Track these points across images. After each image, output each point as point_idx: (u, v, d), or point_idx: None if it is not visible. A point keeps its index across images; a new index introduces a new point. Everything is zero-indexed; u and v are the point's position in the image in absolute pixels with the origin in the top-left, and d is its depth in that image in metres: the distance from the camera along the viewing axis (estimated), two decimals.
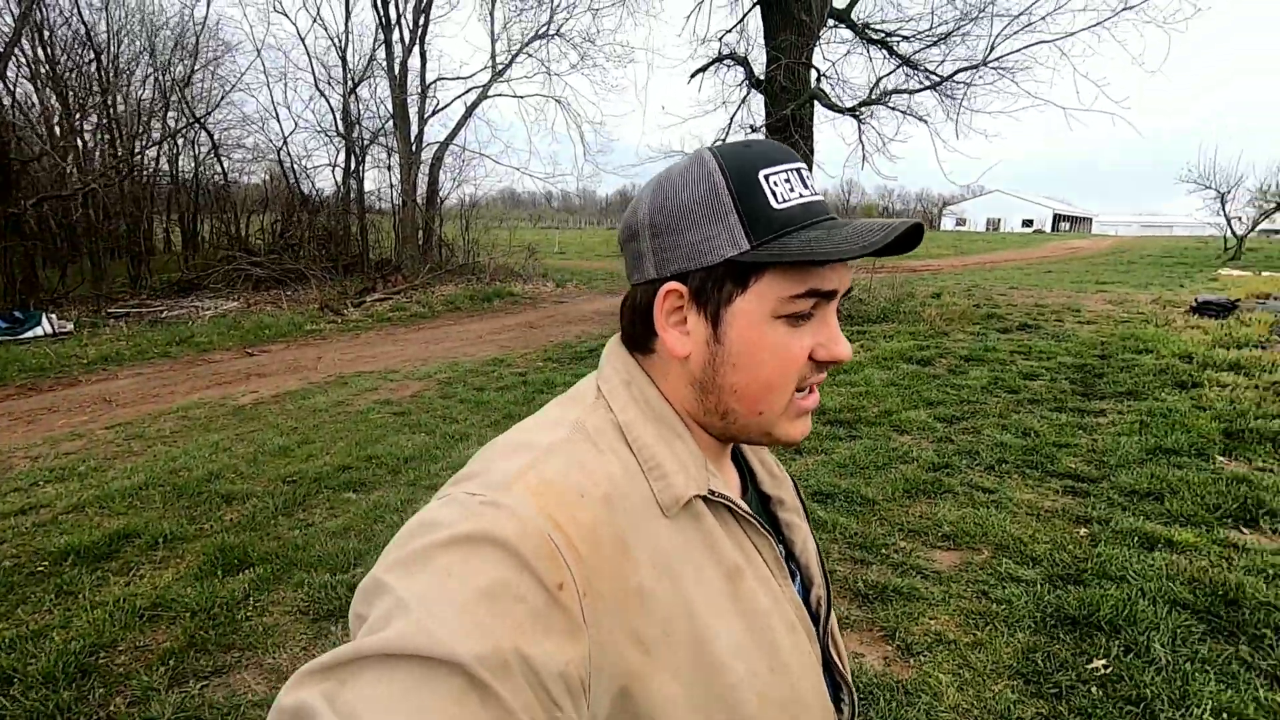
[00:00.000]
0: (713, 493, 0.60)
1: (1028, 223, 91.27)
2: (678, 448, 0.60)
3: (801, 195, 0.58)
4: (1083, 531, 3.57)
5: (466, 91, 17.86)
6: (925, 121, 9.72)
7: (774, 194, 0.56)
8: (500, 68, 17.48)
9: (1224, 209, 28.34)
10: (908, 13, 10.79)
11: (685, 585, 0.55)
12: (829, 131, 17.20)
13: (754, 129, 10.32)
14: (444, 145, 17.29)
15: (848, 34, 10.91)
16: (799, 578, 0.72)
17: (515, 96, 21.68)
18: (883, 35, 10.57)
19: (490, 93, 17.57)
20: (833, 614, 0.75)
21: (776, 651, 0.59)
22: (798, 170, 0.59)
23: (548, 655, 0.45)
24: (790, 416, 0.61)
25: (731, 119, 10.68)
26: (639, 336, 0.63)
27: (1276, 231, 53.75)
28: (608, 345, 0.67)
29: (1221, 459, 4.54)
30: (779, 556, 0.65)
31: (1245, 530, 3.56)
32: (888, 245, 0.53)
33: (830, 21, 10.52)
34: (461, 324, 11.17)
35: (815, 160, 10.25)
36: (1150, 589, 2.91)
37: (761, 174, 0.57)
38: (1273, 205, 28.08)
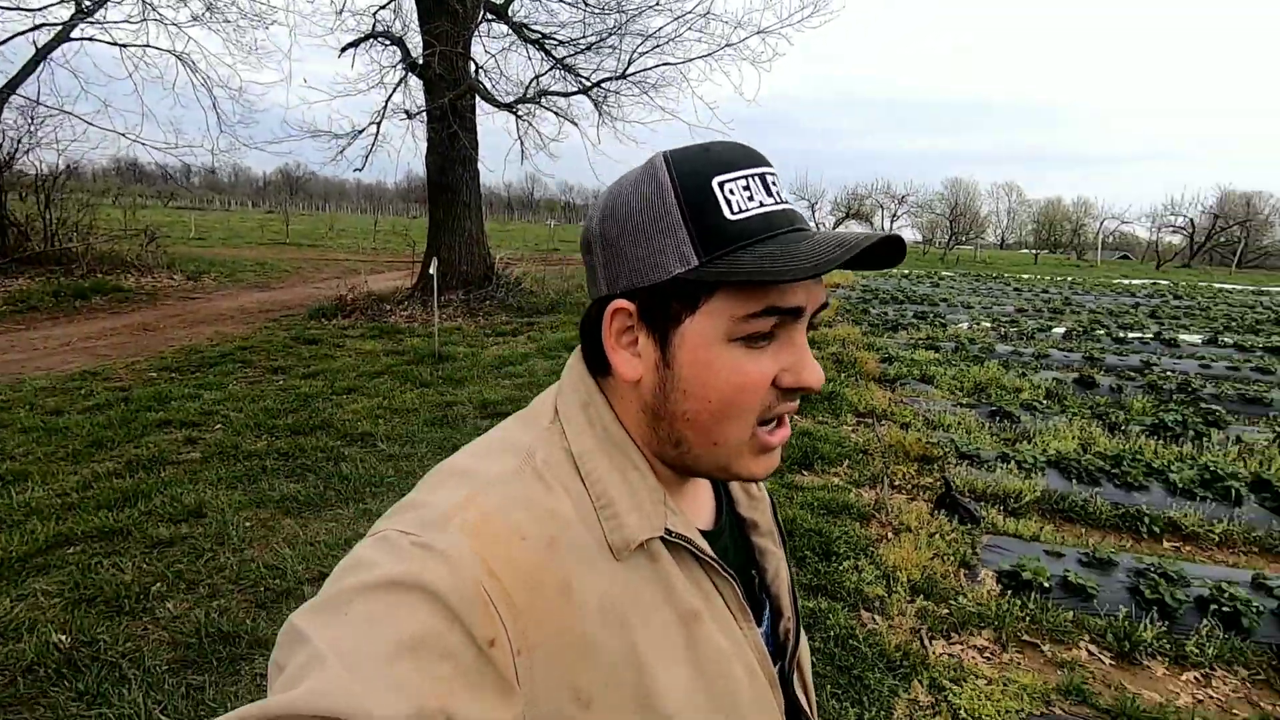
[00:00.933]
0: (670, 533, 0.55)
1: None
2: (634, 481, 0.55)
3: (762, 204, 0.52)
4: None
5: (36, 28, 13.79)
6: (575, 124, 10.39)
7: (729, 203, 0.51)
8: (87, 4, 13.85)
9: (814, 215, 36.10)
10: (560, 18, 11.34)
11: (634, 632, 0.51)
12: (495, 125, 17.34)
13: (410, 115, 9.92)
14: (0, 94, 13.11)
15: (507, 30, 11.12)
16: (768, 608, 0.68)
17: (115, 44, 17.41)
18: (540, 36, 11.00)
19: (73, 35, 13.82)
20: (803, 644, 0.70)
21: (734, 701, 0.55)
22: (761, 176, 0.53)
23: (477, 718, 0.42)
24: (752, 451, 0.54)
25: (387, 101, 10.12)
26: (595, 356, 0.58)
27: None
28: (570, 358, 0.61)
29: (796, 418, 5.76)
30: (740, 596, 0.59)
31: (805, 472, 4.57)
32: (861, 259, 0.50)
33: (489, 16, 10.59)
34: (38, 329, 8.70)
35: (479, 155, 10.26)
36: None
37: (716, 181, 0.51)
38: (843, 214, 36.61)
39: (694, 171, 0.52)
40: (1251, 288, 25.51)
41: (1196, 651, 2.75)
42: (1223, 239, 51.44)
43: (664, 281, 0.52)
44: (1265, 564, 3.67)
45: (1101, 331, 10.42)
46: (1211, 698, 2.56)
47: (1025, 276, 25.59)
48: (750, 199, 0.51)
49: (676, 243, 0.51)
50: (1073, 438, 5.23)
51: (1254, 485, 4.34)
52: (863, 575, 3.16)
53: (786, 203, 0.53)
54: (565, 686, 0.48)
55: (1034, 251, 54.42)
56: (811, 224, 0.54)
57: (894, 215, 48.17)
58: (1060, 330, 10.36)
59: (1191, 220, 51.75)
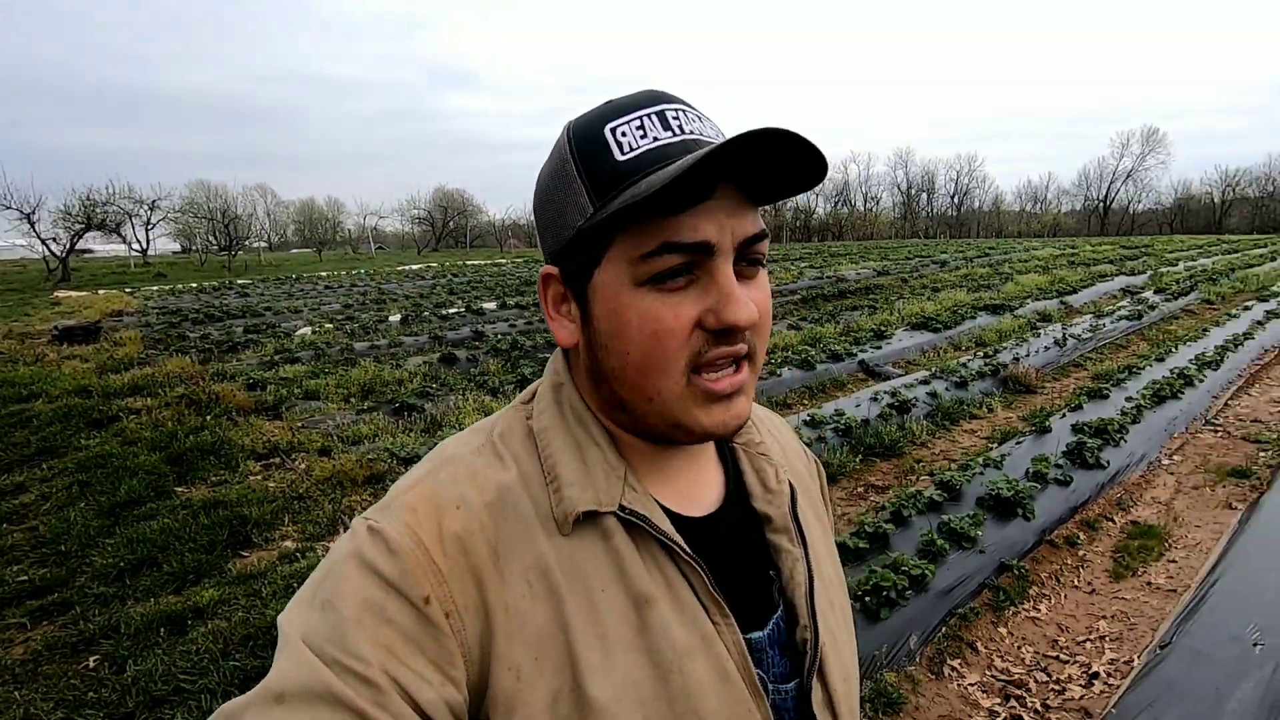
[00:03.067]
0: (624, 509, 0.52)
1: None
2: (592, 457, 0.54)
3: (657, 139, 0.49)
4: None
5: None
6: None
7: (619, 145, 0.49)
8: None
9: (35, 230, 27.52)
10: None
11: (564, 605, 0.50)
12: None
13: None
14: None
15: None
16: (780, 611, 0.59)
17: None
18: None
19: None
20: (841, 661, 0.60)
21: (691, 700, 0.50)
22: (660, 113, 0.50)
23: (422, 679, 0.45)
24: (697, 401, 0.51)
25: None
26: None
27: (89, 251, 56.71)
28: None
29: (181, 488, 4.34)
30: (711, 588, 0.53)
31: (246, 553, 3.50)
32: (770, 181, 0.50)
33: None
34: None
35: None
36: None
37: (608, 128, 0.50)
38: (81, 226, 29.12)
39: (588, 124, 0.51)
40: (486, 262, 33.13)
41: None
42: (452, 226, 64.88)
43: (570, 238, 0.51)
44: None
45: (427, 312, 11.63)
46: None
47: (324, 274, 26.22)
48: (643, 136, 0.49)
49: (574, 196, 0.51)
50: (474, 410, 5.67)
51: None
52: None
53: (690, 134, 0.50)
54: (500, 656, 0.48)
55: (317, 250, 56.30)
56: None
57: (148, 223, 41.50)
58: (396, 318, 11.06)
59: (430, 213, 63.20)
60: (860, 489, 4.47)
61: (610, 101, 0.52)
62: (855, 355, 7.70)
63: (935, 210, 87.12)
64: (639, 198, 0.45)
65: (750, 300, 0.49)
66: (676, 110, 0.50)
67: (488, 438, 0.56)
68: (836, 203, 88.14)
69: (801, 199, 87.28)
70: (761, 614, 0.58)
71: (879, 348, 8.14)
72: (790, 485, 0.64)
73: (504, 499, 0.52)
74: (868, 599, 2.81)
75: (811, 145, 0.46)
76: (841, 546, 3.22)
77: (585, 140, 0.50)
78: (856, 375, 7.36)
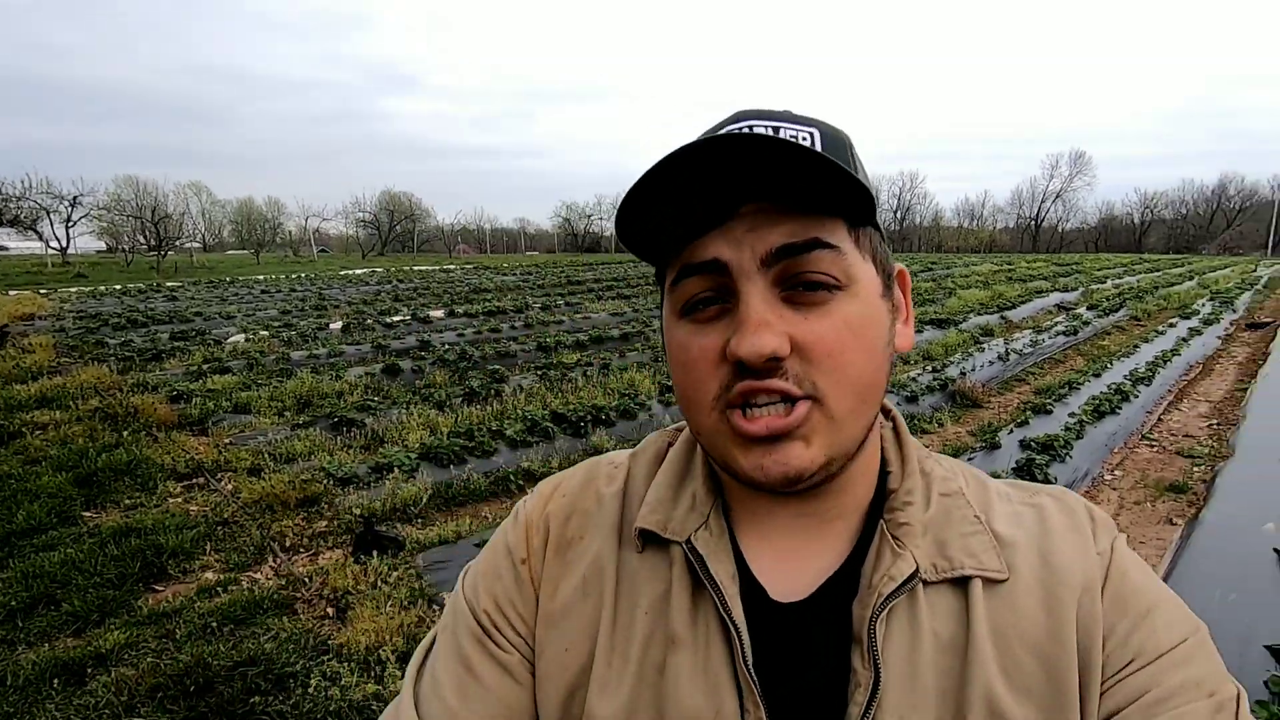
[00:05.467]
0: (689, 544, 0.50)
1: None
2: (686, 488, 0.54)
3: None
4: None
5: None
6: None
7: None
8: None
9: None
10: None
11: (604, 617, 0.51)
12: None
13: None
14: None
15: None
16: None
17: None
18: None
19: None
20: None
21: None
22: (748, 125, 0.46)
23: (510, 624, 0.54)
24: (734, 440, 0.46)
25: None
26: None
27: (3, 249, 53.11)
28: None
29: (90, 513, 3.96)
30: (747, 667, 0.46)
31: (160, 587, 3.19)
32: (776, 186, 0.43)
33: None
34: None
35: None
36: None
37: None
38: None
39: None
40: (435, 267, 32.36)
41: None
42: (399, 230, 63.31)
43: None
44: None
45: (370, 320, 11.19)
46: None
47: (261, 278, 25.14)
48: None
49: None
50: (419, 426, 5.41)
51: (553, 418, 5.47)
52: (343, 686, 2.41)
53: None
54: (546, 630, 0.53)
55: (254, 251, 54.04)
56: None
57: (69, 220, 39.00)
58: (337, 326, 10.60)
59: (376, 216, 61.52)
60: None
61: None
62: None
63: (880, 224, 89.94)
64: (622, 211, 0.44)
65: (778, 329, 0.43)
66: (742, 127, 0.46)
67: (631, 452, 0.61)
68: None
69: None
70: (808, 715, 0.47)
71: None
72: (903, 583, 0.47)
73: (597, 503, 0.57)
74: None
75: (782, 144, 0.40)
76: None
77: None
78: None
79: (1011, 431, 5.34)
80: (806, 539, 0.51)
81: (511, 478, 4.59)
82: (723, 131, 0.44)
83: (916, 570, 0.47)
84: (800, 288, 0.44)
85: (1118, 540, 0.51)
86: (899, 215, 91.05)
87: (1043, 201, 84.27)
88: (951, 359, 8.39)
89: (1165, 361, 8.08)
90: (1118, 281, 19.54)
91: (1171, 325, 10.96)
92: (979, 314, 12.07)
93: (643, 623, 0.50)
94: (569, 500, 0.57)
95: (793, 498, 0.49)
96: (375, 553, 3.34)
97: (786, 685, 0.47)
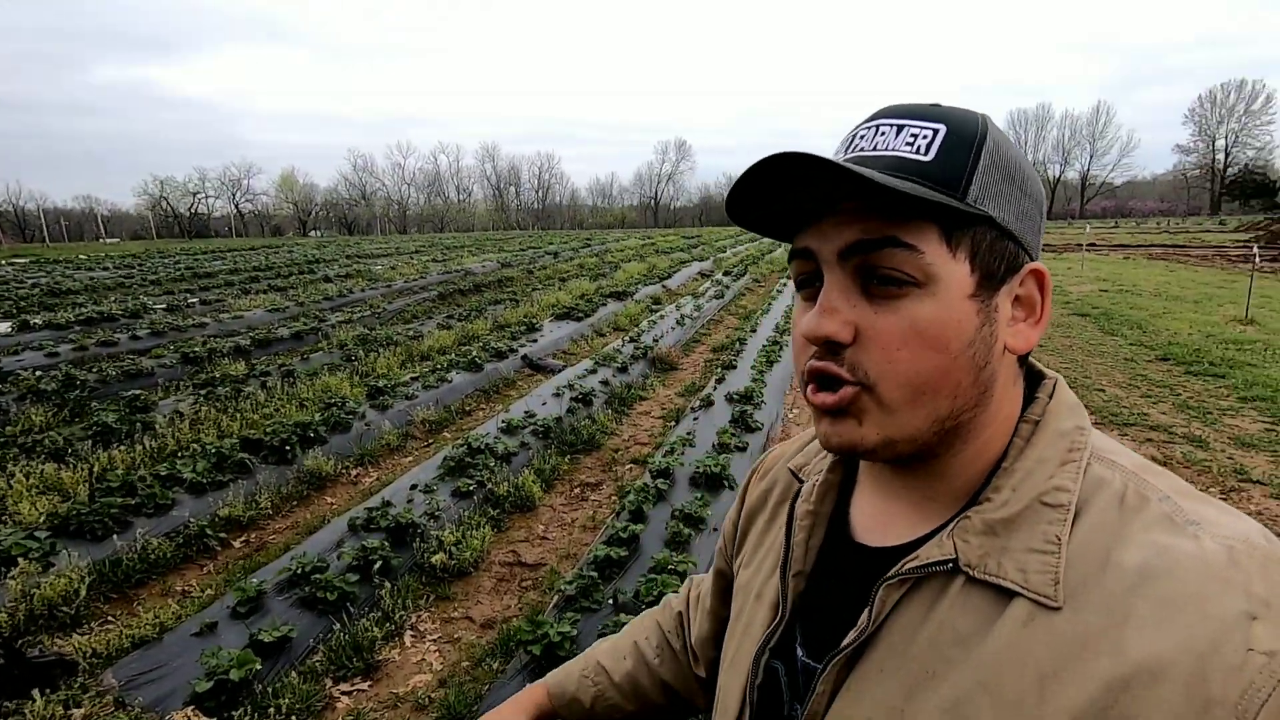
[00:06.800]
0: (792, 471, 0.68)
1: None
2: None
3: (855, 151, 0.52)
4: None
5: None
6: None
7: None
8: None
9: None
10: None
11: (755, 523, 0.72)
12: None
13: None
14: None
15: None
16: (802, 654, 0.58)
17: None
18: None
19: None
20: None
21: (737, 622, 0.67)
22: (876, 125, 0.52)
23: (724, 554, 0.77)
24: (813, 411, 0.53)
25: None
26: None
27: None
28: None
29: None
30: (785, 571, 0.61)
31: None
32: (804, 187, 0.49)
33: None
34: None
35: None
36: None
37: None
38: None
39: None
40: None
41: None
42: None
43: None
44: None
45: None
46: None
47: None
48: (849, 148, 0.53)
49: None
50: (34, 491, 3.87)
51: (246, 446, 4.43)
52: None
53: (859, 150, 0.51)
54: (745, 547, 0.72)
55: None
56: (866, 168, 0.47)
57: None
58: None
59: None
60: (577, 489, 4.42)
61: None
62: (517, 351, 7.64)
63: (523, 203, 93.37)
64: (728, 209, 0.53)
65: (844, 317, 0.48)
66: (871, 126, 0.52)
67: None
68: (429, 194, 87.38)
69: (392, 187, 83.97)
70: (825, 647, 0.54)
71: (535, 340, 8.23)
72: (930, 564, 0.49)
73: (802, 454, 0.69)
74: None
75: (821, 160, 0.45)
76: (605, 560, 3.09)
77: None
78: (524, 371, 7.31)
79: (714, 389, 6.05)
80: (905, 508, 0.55)
81: (209, 532, 3.60)
82: (854, 135, 0.53)
83: (953, 560, 0.48)
84: (875, 281, 0.48)
85: None
86: (541, 194, 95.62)
87: (659, 183, 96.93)
88: (639, 328, 9.15)
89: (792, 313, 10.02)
90: (735, 250, 23.55)
91: (783, 285, 13.63)
92: (645, 284, 13.39)
93: (766, 521, 0.70)
94: (777, 456, 0.75)
95: (895, 471, 0.55)
96: (34, 690, 2.29)
97: (817, 602, 0.58)
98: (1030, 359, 0.55)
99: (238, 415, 5.30)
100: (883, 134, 0.51)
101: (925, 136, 0.49)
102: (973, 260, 0.48)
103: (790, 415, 5.82)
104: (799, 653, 0.57)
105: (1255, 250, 10.42)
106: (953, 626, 0.47)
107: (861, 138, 0.52)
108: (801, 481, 0.65)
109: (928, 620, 0.48)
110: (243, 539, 3.75)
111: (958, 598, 0.48)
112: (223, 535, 3.68)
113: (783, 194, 0.49)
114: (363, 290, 12.42)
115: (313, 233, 71.57)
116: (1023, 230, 0.50)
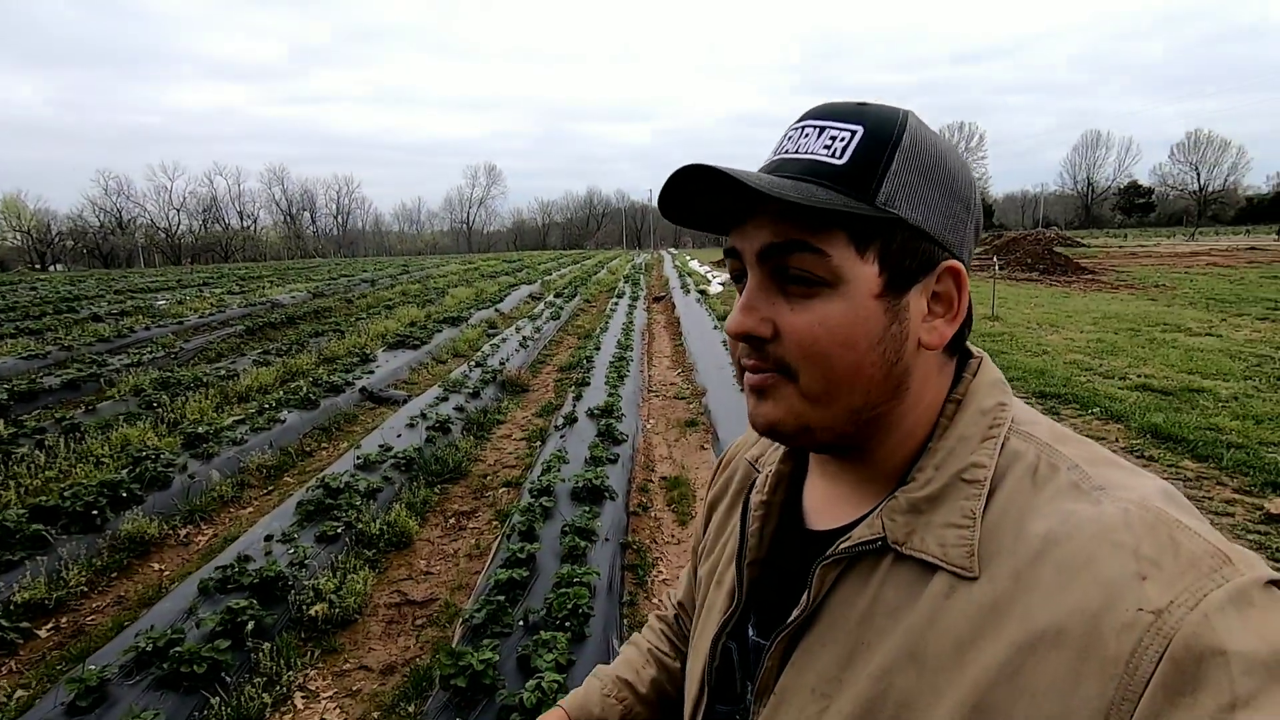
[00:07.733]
0: (750, 462, 0.72)
1: None
2: None
3: (773, 157, 0.54)
4: None
5: None
6: None
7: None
8: None
9: None
10: None
11: (718, 509, 0.75)
12: None
13: None
14: None
15: None
16: (751, 630, 0.62)
17: None
18: None
19: None
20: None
21: (703, 608, 0.70)
22: (803, 126, 0.53)
23: (699, 525, 0.80)
24: (747, 393, 0.56)
25: None
26: None
27: None
28: None
29: None
30: (741, 561, 0.63)
31: None
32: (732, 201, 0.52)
33: None
34: None
35: None
36: None
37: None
38: None
39: None
40: None
41: None
42: None
43: None
44: None
45: None
46: None
47: None
48: (780, 149, 0.54)
49: None
50: None
51: (41, 516, 3.71)
52: None
53: (785, 153, 0.53)
54: (709, 534, 0.75)
55: None
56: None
57: None
58: None
59: None
60: (452, 519, 4.24)
61: None
62: (353, 384, 7.11)
63: (321, 230, 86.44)
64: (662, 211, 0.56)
65: (761, 314, 0.51)
66: (798, 127, 0.54)
67: None
68: (205, 220, 77.69)
69: (158, 214, 73.12)
70: (773, 626, 0.57)
71: (371, 372, 7.72)
72: (859, 544, 0.52)
73: (746, 449, 0.75)
74: (568, 623, 2.74)
75: (724, 175, 0.47)
76: (509, 582, 3.02)
77: None
78: (364, 405, 6.83)
79: (574, 405, 6.11)
80: (847, 492, 0.58)
81: (3, 624, 2.97)
82: (786, 135, 0.54)
83: (881, 538, 0.51)
84: (790, 281, 0.51)
85: (1212, 599, 0.38)
86: (340, 220, 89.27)
87: (470, 208, 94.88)
88: (482, 351, 8.95)
89: (628, 332, 10.37)
90: (560, 272, 23.76)
91: (614, 305, 14.04)
92: (478, 309, 13.08)
93: (727, 510, 0.73)
94: (739, 445, 0.79)
95: (836, 459, 0.58)
96: None
97: (767, 586, 0.61)
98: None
99: (10, 483, 4.40)
100: (806, 135, 0.52)
101: (842, 139, 0.50)
102: (882, 261, 0.49)
103: (648, 425, 6.05)
104: (750, 633, 0.61)
105: (994, 260, 12.72)
106: (884, 600, 0.50)
107: (789, 139, 0.54)
108: (759, 472, 0.67)
109: (862, 595, 0.51)
110: (50, 626, 3.13)
111: (888, 574, 0.50)
112: (23, 625, 3.04)
113: (707, 198, 0.52)
114: (147, 328, 10.77)
115: (55, 266, 60.38)
116: (941, 229, 0.51)
